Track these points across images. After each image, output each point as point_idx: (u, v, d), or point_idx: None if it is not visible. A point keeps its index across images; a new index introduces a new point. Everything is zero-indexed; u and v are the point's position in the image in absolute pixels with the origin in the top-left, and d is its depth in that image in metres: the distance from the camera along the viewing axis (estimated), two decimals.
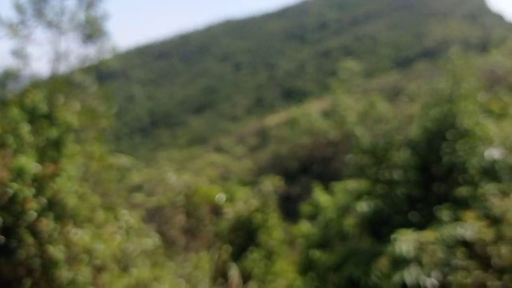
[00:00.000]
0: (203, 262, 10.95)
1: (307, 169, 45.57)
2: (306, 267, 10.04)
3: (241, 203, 13.77)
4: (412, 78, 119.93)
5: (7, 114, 6.96)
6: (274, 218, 14.03)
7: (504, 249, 7.09)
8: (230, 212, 13.34)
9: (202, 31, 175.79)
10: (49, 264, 6.34)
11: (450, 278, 7.06)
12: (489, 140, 8.31)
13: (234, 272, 12.05)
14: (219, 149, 71.27)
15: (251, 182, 18.78)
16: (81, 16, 8.57)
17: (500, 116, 8.94)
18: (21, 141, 6.62)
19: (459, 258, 7.07)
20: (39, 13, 8.19)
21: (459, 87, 8.96)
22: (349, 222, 9.72)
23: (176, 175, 12.74)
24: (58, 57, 8.28)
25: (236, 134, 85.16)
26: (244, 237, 13.49)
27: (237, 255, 12.90)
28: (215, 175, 15.02)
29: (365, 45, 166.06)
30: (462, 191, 8.10)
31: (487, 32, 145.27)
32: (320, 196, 11.09)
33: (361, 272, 8.02)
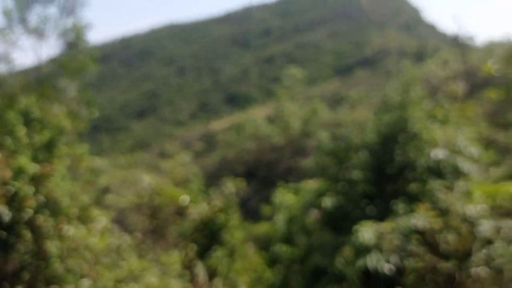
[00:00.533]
0: (170, 260, 11.39)
1: (253, 174, 46.50)
2: (273, 261, 10.78)
3: (204, 204, 14.35)
4: (352, 85, 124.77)
5: (2, 117, 7.23)
6: (235, 219, 14.73)
7: (450, 237, 8.19)
8: (194, 213, 13.86)
9: (145, 35, 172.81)
10: (45, 258, 6.69)
11: (406, 262, 8.08)
12: (434, 143, 9.47)
13: (199, 270, 12.61)
14: (163, 155, 70.61)
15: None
16: (64, 24, 8.91)
17: (443, 121, 10.16)
18: (18, 142, 6.93)
19: (413, 245, 8.10)
20: (23, 20, 8.45)
21: (408, 95, 10.10)
22: (312, 218, 10.59)
23: (145, 177, 13.10)
24: (41, 62, 8.57)
25: (181, 139, 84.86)
26: (208, 236, 14.07)
27: (202, 253, 13.45)
28: (179, 177, 15.46)
29: (307, 52, 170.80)
30: (413, 187, 9.21)
31: (422, 42, 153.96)
32: (284, 195, 11.89)
33: (326, 261, 8.88)
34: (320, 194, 10.27)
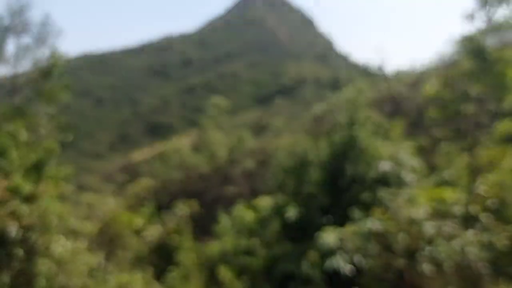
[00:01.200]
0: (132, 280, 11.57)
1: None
2: (238, 273, 11.30)
3: (158, 226, 14.61)
4: (273, 114, 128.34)
5: None
6: (188, 240, 15.10)
7: (400, 237, 9.37)
8: (149, 236, 14.07)
9: None
10: (36, 276, 6.83)
11: (365, 262, 9.12)
12: (380, 157, 10.78)
13: None
14: (82, 188, 67.68)
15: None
16: (39, 53, 9.21)
17: (384, 138, 11.57)
18: (10, 164, 7.10)
19: (371, 245, 9.18)
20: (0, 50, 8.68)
21: (355, 116, 11.40)
22: (272, 230, 11.40)
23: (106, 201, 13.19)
24: (15, 89, 8.78)
25: (102, 172, 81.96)
26: (163, 258, 14.30)
27: (159, 274, 13.64)
28: (133, 202, 15.59)
29: (227, 82, 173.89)
30: (365, 196, 10.38)
31: (336, 72, 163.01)
32: (243, 211, 12.58)
33: (293, 267, 9.69)
34: (279, 208, 11.14)
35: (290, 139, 78.22)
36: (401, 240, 9.38)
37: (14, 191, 6.79)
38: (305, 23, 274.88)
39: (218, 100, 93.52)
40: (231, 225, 12.87)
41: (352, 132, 10.96)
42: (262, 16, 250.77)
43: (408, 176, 10.48)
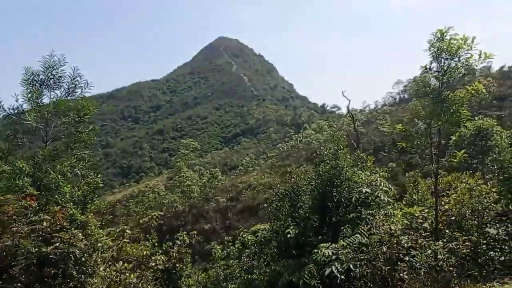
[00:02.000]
0: None
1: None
2: (247, 286, 12.89)
3: (162, 256, 15.97)
4: (240, 152, 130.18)
5: (46, 175, 8.94)
6: (189, 267, 16.56)
7: (384, 249, 11.28)
8: (156, 263, 15.40)
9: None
10: None
11: (356, 270, 10.93)
12: (360, 183, 12.83)
13: None
14: None
15: None
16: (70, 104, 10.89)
17: (362, 168, 13.71)
18: (63, 197, 8.68)
19: (361, 256, 11.04)
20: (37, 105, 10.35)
21: (338, 150, 13.52)
22: (271, 250, 13.16)
23: None
24: (49, 136, 10.43)
25: None
26: (168, 285, 15.63)
27: None
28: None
29: (195, 125, 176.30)
30: (350, 216, 12.32)
31: (296, 112, 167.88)
32: (246, 235, 14.30)
33: (295, 278, 11.40)
34: (278, 230, 12.95)
35: (258, 175, 79.67)
36: (383, 251, 11.30)
37: (71, 220, 8.37)
38: (267, 68, 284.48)
39: (189, 142, 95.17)
40: (231, 249, 14.50)
41: (337, 163, 13.03)
42: (227, 63, 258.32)
43: (384, 198, 12.53)
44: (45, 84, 10.95)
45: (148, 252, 16.05)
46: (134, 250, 16.10)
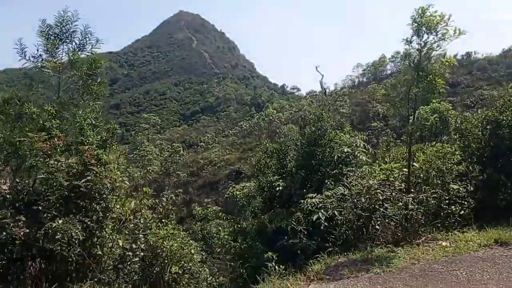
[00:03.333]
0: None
1: None
2: (236, 234, 14.17)
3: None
4: (198, 129, 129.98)
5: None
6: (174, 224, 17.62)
7: (363, 199, 12.80)
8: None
9: None
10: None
11: (340, 216, 12.42)
12: (342, 143, 14.33)
13: None
14: None
15: None
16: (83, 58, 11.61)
17: (342, 131, 15.22)
18: (87, 140, 9.62)
19: (343, 204, 12.53)
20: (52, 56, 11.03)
21: (322, 115, 14.92)
22: (258, 202, 14.51)
23: None
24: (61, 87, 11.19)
25: None
26: None
27: None
28: None
29: (153, 101, 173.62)
30: (333, 172, 13.82)
31: (256, 91, 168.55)
32: (236, 190, 15.57)
33: (284, 224, 12.79)
34: (267, 183, 14.29)
35: (219, 151, 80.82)
36: (362, 201, 12.83)
37: (96, 158, 9.27)
38: (228, 46, 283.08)
39: (149, 116, 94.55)
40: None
41: (321, 125, 14.44)
42: (187, 38, 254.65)
43: (362, 157, 14.09)
44: (59, 37, 11.55)
45: (134, 206, 16.92)
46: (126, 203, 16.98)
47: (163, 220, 17.32)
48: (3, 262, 8.58)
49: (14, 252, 8.87)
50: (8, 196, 9.19)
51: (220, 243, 18.22)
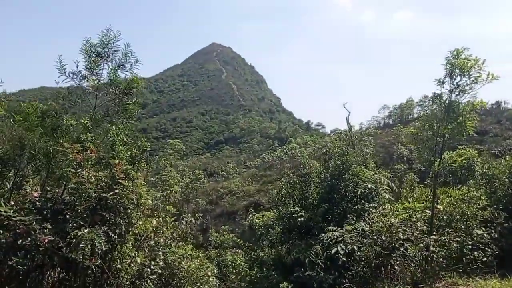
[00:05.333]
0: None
1: None
2: (253, 262, 14.15)
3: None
4: (220, 159, 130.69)
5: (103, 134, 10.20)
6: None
7: (383, 237, 12.69)
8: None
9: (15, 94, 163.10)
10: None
11: (359, 252, 12.31)
12: (366, 179, 14.31)
13: None
14: None
15: None
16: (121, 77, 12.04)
17: (366, 167, 15.21)
18: (118, 155, 9.97)
19: (364, 240, 12.43)
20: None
21: (348, 149, 15.00)
22: (277, 232, 14.50)
23: None
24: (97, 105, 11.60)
25: None
26: None
27: None
28: None
29: (179, 127, 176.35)
30: (355, 208, 13.77)
31: (281, 126, 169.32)
32: (257, 218, 15.63)
33: (302, 255, 12.72)
34: (287, 214, 14.30)
35: (239, 182, 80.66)
36: (383, 239, 12.71)
37: (125, 173, 9.52)
38: (256, 79, 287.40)
39: (175, 142, 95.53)
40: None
41: (346, 159, 14.50)
42: (217, 70, 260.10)
43: (385, 195, 14.03)
44: (100, 55, 12.04)
45: (156, 223, 17.08)
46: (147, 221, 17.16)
47: (180, 243, 17.44)
48: (25, 268, 8.71)
49: (36, 259, 9.02)
50: (37, 203, 9.45)
51: (235, 271, 18.12)
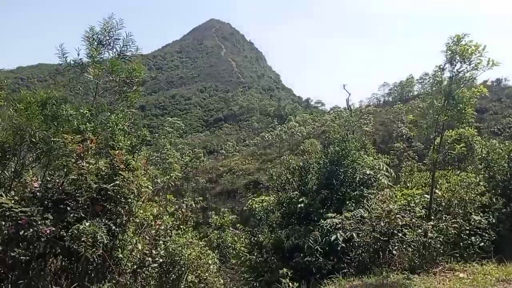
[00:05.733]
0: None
1: None
2: (252, 247, 14.33)
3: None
4: (220, 137, 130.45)
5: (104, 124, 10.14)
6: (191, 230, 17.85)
7: (382, 223, 12.79)
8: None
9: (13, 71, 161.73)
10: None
11: (358, 238, 12.43)
12: (365, 165, 14.36)
13: None
14: None
15: None
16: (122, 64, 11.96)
17: (366, 152, 15.24)
18: (117, 144, 9.95)
19: (362, 226, 12.55)
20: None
21: (347, 135, 15.00)
22: (276, 217, 14.62)
23: None
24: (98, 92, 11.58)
25: None
26: None
27: None
28: None
29: (178, 105, 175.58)
30: (354, 194, 13.85)
31: (281, 103, 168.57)
32: (254, 203, 15.73)
33: (301, 241, 12.86)
34: (287, 199, 14.40)
35: (239, 160, 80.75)
36: (381, 225, 12.81)
37: (125, 163, 9.54)
38: (256, 56, 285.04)
39: (174, 120, 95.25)
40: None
41: (345, 145, 14.51)
42: (216, 46, 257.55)
43: (384, 181, 14.09)
44: (102, 43, 11.98)
45: (156, 212, 17.22)
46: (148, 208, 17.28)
47: (181, 226, 17.58)
48: (27, 258, 8.81)
49: (38, 249, 9.12)
50: (38, 193, 9.50)
51: (234, 253, 18.36)
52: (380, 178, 14.05)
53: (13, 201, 8.98)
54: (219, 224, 21.67)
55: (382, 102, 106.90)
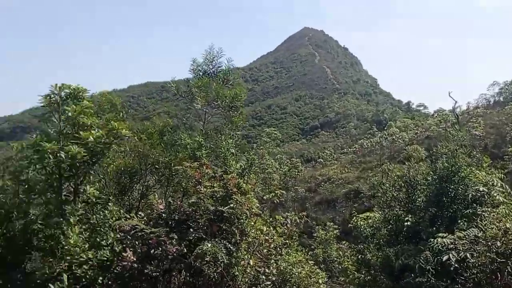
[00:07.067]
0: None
1: None
2: (360, 265, 14.43)
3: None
4: (316, 145, 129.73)
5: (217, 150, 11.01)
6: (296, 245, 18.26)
7: (498, 243, 12.13)
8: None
9: (124, 91, 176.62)
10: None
11: (472, 259, 11.92)
12: (477, 182, 13.71)
13: None
14: None
15: None
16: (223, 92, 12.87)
17: (478, 168, 14.54)
18: (229, 168, 10.67)
19: (477, 247, 12.01)
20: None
21: (456, 149, 14.46)
22: (383, 235, 14.50)
23: None
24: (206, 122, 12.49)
25: None
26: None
27: None
28: None
29: (274, 114, 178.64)
30: (466, 212, 13.29)
31: (379, 108, 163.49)
32: (360, 220, 15.82)
33: (411, 261, 12.63)
34: (393, 217, 14.24)
35: (338, 169, 79.73)
36: (498, 245, 12.16)
37: (237, 187, 10.25)
38: (351, 61, 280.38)
39: (271, 131, 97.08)
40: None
41: (455, 161, 14.00)
42: (310, 54, 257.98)
43: (499, 197, 13.34)
44: (206, 73, 13.03)
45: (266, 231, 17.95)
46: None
47: (287, 241, 18.10)
48: (157, 274, 9.85)
49: (165, 265, 10.13)
50: (163, 215, 10.58)
51: (340, 267, 18.41)
52: (495, 194, 13.32)
53: (143, 222, 10.10)
54: (324, 239, 21.87)
55: (492, 103, 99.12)
